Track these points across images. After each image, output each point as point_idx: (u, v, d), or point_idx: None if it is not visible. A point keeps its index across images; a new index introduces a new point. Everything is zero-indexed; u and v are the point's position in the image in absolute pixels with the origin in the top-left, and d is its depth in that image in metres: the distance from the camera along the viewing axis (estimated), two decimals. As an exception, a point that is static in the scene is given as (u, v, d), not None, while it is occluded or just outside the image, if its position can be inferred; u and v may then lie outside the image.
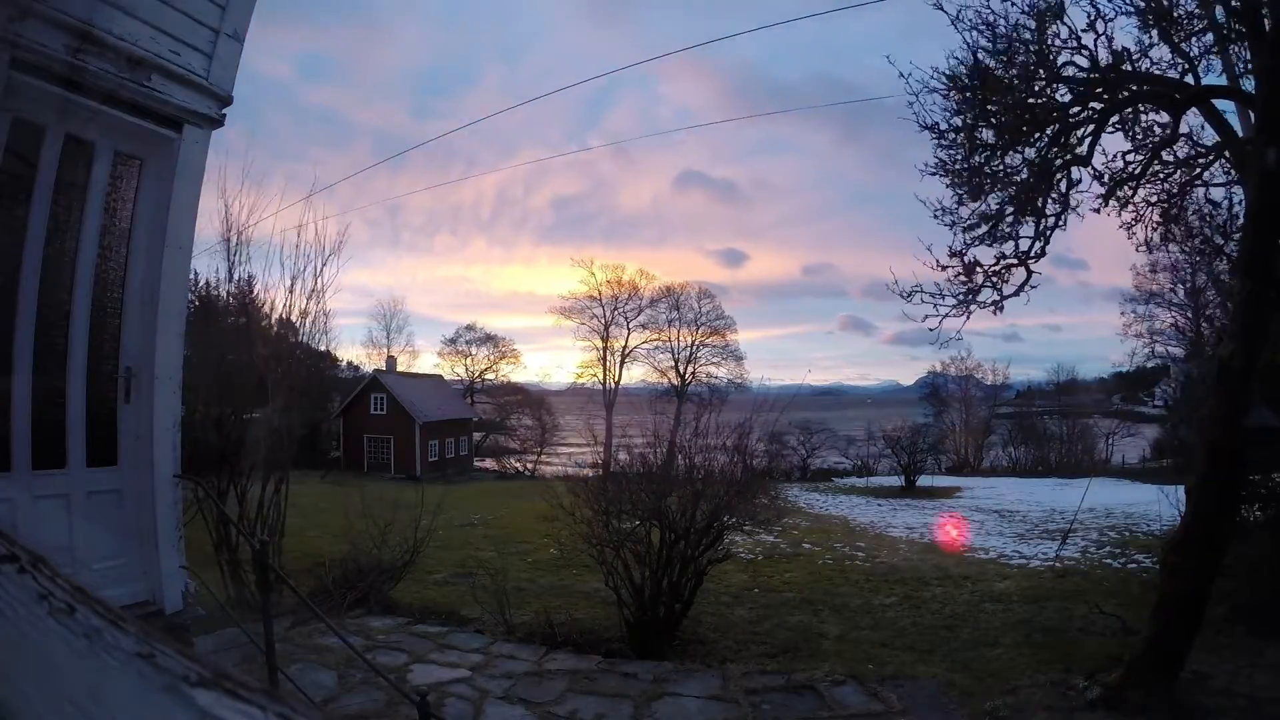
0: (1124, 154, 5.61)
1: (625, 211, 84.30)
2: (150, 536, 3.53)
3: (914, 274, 5.85)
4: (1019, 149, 5.62)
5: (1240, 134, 5.19)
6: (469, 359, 43.09)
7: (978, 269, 5.76)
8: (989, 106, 5.53)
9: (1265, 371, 4.63)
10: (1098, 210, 5.74)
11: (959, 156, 5.75)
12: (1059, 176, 5.58)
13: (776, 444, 21.55)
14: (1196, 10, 5.29)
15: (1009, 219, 5.73)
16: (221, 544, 5.48)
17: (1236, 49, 5.30)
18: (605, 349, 41.55)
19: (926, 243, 5.78)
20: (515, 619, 5.49)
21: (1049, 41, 5.20)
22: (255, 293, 6.76)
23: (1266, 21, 4.13)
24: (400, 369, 37.56)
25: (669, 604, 5.29)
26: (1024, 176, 5.65)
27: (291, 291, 6.22)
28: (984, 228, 5.75)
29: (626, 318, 41.58)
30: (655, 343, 41.41)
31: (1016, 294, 5.80)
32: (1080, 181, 5.63)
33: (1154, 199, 6.11)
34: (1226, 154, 5.57)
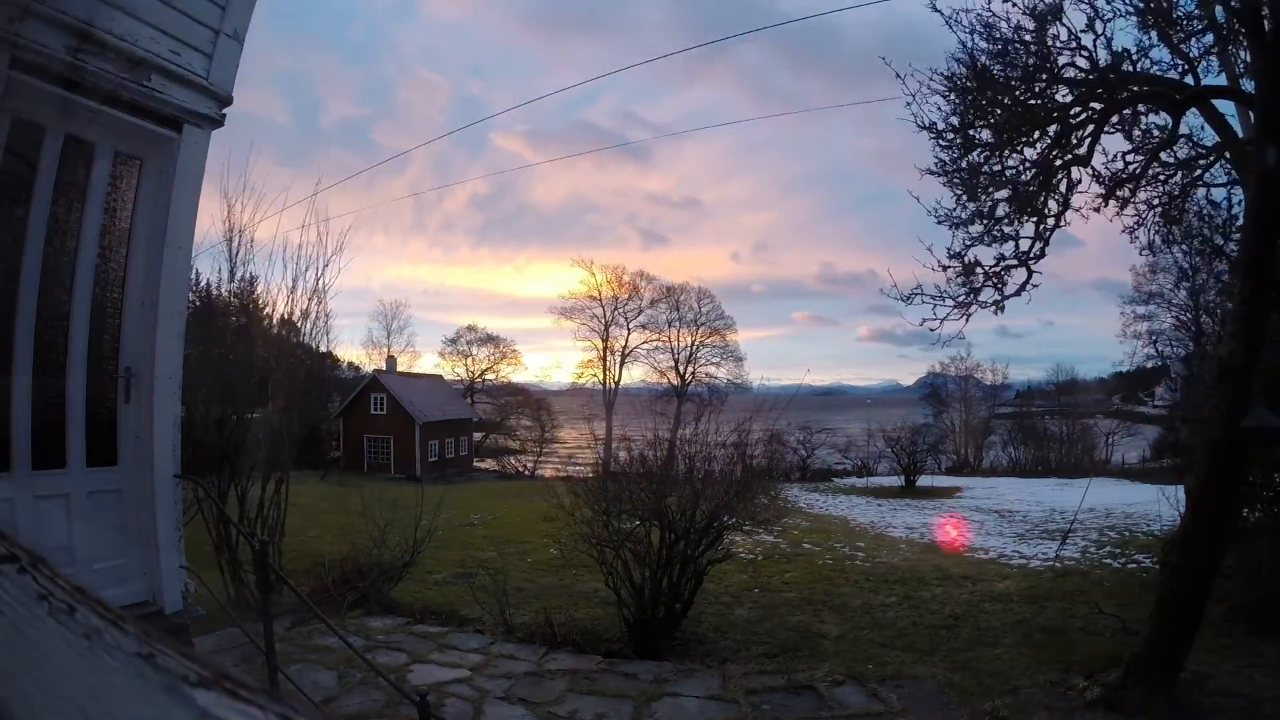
0: (1124, 154, 5.61)
1: (547, 207, 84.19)
2: (150, 536, 3.53)
3: (913, 274, 5.84)
4: (1018, 149, 5.62)
5: (1240, 134, 5.19)
6: (469, 359, 43.18)
7: (978, 269, 5.76)
8: (988, 106, 5.52)
9: (1265, 371, 4.63)
10: (1098, 210, 5.74)
11: (957, 156, 5.75)
12: (1059, 177, 5.58)
13: (776, 444, 21.56)
14: (1196, 11, 5.29)
15: (1008, 219, 5.72)
16: (221, 544, 5.48)
17: (1236, 49, 5.30)
18: (605, 349, 41.60)
19: (926, 243, 5.77)
20: (515, 619, 5.49)
21: (1048, 43, 5.20)
22: (256, 293, 6.78)
23: (1266, 22, 4.13)
24: (401, 369, 37.58)
25: (669, 604, 5.29)
26: (1024, 177, 5.64)
27: (293, 292, 6.24)
28: (982, 228, 5.74)
29: (626, 318, 41.64)
30: (655, 343, 41.48)
31: (1017, 294, 5.79)
32: (1080, 182, 5.63)
33: (1155, 201, 6.11)
34: (1227, 154, 5.57)
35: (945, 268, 5.76)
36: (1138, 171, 5.65)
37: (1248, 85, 4.97)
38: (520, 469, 37.88)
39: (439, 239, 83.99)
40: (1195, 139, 5.79)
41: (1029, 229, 5.71)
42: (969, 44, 5.40)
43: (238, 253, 6.19)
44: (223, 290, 6.58)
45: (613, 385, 41.08)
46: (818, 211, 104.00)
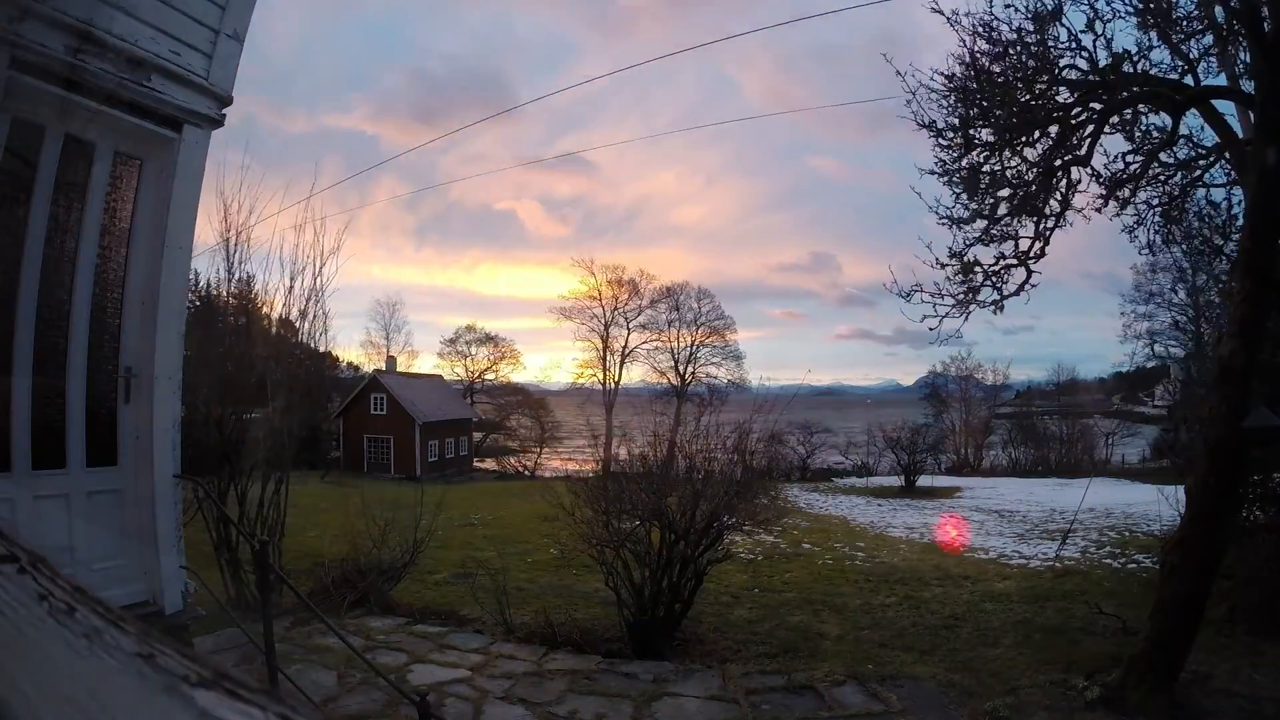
0: (1124, 155, 5.62)
1: (471, 204, 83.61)
2: (150, 536, 3.54)
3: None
4: (1019, 149, 5.62)
5: (1240, 135, 5.19)
6: (469, 359, 43.20)
7: (977, 268, 5.76)
8: (988, 106, 5.52)
9: (1265, 371, 4.63)
10: (1099, 210, 5.74)
11: (957, 156, 5.75)
12: (1059, 177, 5.58)
13: (776, 444, 21.54)
14: (1196, 11, 5.29)
15: (1008, 219, 5.72)
16: (221, 544, 5.48)
17: (1236, 49, 5.30)
18: (605, 349, 41.62)
19: (926, 240, 5.79)
20: (515, 619, 5.49)
21: (1048, 43, 5.20)
22: (255, 293, 6.78)
23: (1266, 22, 4.13)
24: (400, 369, 37.59)
25: (669, 604, 5.29)
26: (1024, 177, 5.64)
27: (290, 291, 6.23)
28: (982, 228, 5.74)
29: (626, 318, 41.66)
30: (655, 343, 41.51)
31: (1017, 293, 5.79)
32: (1080, 182, 5.64)
33: (1155, 201, 6.11)
34: (1226, 155, 5.57)
35: (944, 266, 5.76)
36: (1138, 172, 5.65)
37: (1248, 85, 4.97)
38: (520, 469, 37.89)
39: (379, 240, 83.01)
40: (1195, 139, 5.80)
41: (1028, 228, 5.72)
42: (969, 44, 5.40)
43: (235, 252, 6.19)
44: (222, 290, 6.58)
45: (612, 385, 41.12)
46: (753, 202, 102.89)
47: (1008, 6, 5.19)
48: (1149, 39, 5.23)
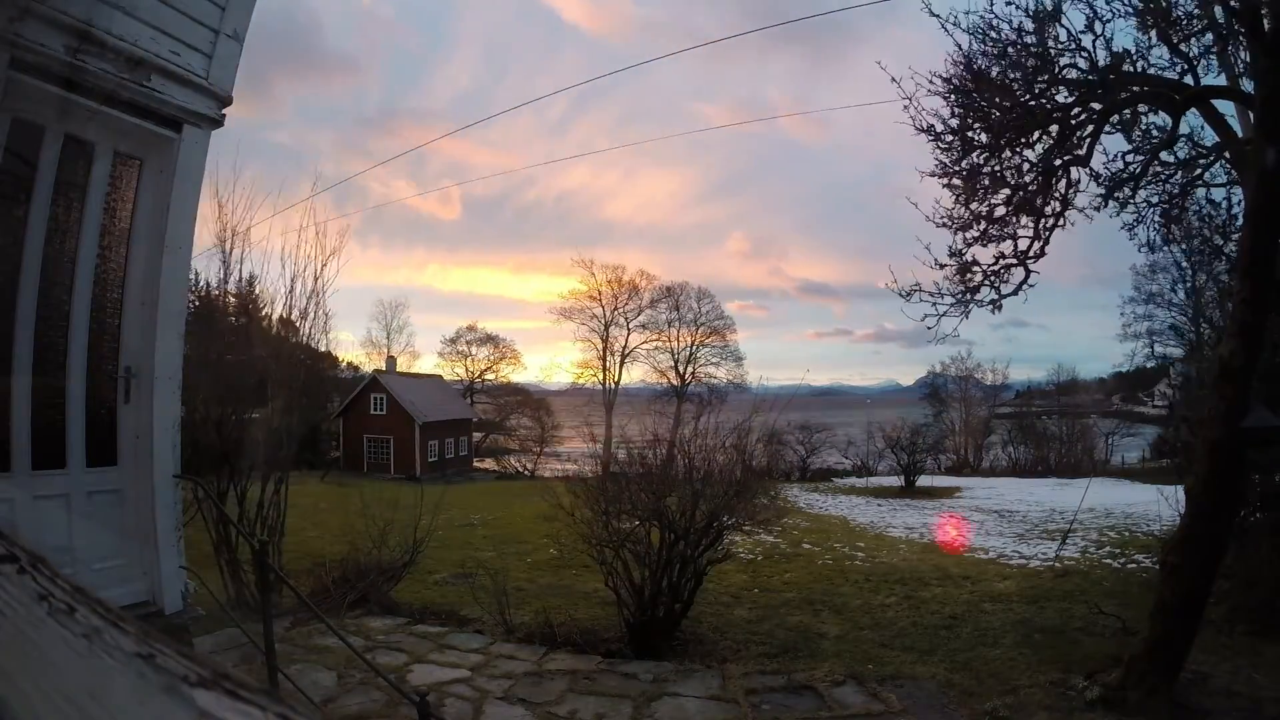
0: (1124, 154, 5.61)
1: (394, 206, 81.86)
2: (150, 536, 3.54)
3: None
4: (1018, 150, 5.61)
5: (1240, 134, 5.19)
6: (469, 359, 43.24)
7: (976, 268, 5.76)
8: (987, 108, 5.52)
9: (1265, 371, 4.63)
10: (1098, 209, 5.73)
11: (956, 158, 5.74)
12: (1058, 177, 5.58)
13: (776, 444, 21.55)
14: (1195, 11, 5.28)
15: (1007, 219, 5.72)
16: (221, 544, 5.48)
17: (1236, 49, 5.29)
18: (605, 350, 41.64)
19: (925, 241, 5.78)
20: (515, 619, 5.49)
21: (1047, 43, 5.20)
22: (255, 293, 6.78)
23: (1266, 22, 4.13)
24: (400, 369, 37.61)
25: (669, 604, 5.29)
26: (1023, 178, 5.64)
27: (291, 292, 6.24)
28: (981, 229, 5.74)
29: (626, 318, 41.68)
30: (655, 343, 41.54)
31: (1015, 293, 5.79)
32: (1079, 182, 5.63)
33: (1154, 199, 6.11)
34: (1226, 154, 5.57)
35: (942, 266, 5.76)
36: (1138, 172, 5.64)
37: (1247, 85, 4.97)
38: (520, 469, 37.91)
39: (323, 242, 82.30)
40: (1195, 139, 5.79)
41: (1027, 229, 5.71)
42: (967, 46, 5.40)
43: (233, 253, 6.19)
44: (222, 291, 6.58)
45: (612, 385, 41.13)
46: (684, 191, 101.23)
47: (1009, 4, 5.18)
48: (1148, 39, 5.23)
